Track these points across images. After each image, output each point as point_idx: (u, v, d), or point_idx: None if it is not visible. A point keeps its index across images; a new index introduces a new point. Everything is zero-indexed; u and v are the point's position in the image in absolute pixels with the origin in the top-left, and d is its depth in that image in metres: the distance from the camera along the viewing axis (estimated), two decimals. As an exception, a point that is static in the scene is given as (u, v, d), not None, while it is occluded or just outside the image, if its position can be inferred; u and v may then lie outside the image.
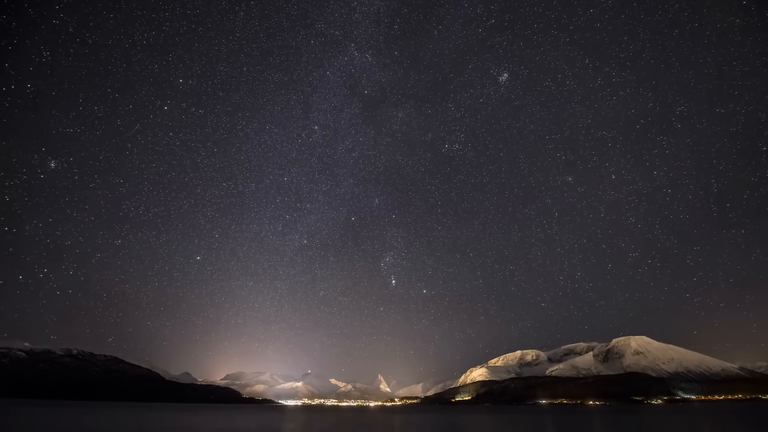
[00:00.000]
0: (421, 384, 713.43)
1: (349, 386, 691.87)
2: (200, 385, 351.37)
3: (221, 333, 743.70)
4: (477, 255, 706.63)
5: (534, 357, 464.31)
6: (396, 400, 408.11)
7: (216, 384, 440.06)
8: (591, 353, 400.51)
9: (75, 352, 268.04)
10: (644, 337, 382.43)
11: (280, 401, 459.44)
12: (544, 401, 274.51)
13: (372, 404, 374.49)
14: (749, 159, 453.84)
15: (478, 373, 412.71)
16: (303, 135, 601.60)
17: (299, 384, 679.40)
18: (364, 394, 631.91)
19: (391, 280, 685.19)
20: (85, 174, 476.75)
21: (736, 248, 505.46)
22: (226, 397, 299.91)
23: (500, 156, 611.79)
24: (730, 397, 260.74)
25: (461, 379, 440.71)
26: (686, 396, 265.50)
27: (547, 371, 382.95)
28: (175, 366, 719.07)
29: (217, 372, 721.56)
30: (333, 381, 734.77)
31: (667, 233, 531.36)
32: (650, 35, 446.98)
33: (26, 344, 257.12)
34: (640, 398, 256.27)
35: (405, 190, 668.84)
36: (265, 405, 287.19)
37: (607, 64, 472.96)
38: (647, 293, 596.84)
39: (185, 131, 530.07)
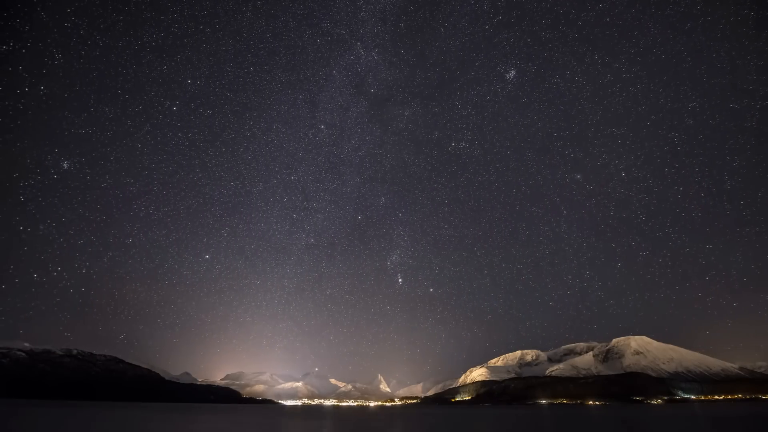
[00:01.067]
0: (421, 384, 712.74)
1: (349, 386, 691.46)
2: (200, 385, 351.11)
3: (230, 331, 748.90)
4: (484, 254, 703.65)
5: (534, 357, 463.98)
6: (396, 400, 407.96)
7: (216, 384, 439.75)
8: (591, 353, 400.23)
9: (75, 352, 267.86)
10: (644, 337, 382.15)
11: (280, 401, 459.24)
12: (544, 401, 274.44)
13: (372, 404, 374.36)
14: (764, 155, 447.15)
15: (478, 373, 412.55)
16: (309, 134, 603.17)
17: (299, 384, 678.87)
18: (364, 394, 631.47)
19: (398, 279, 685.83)
20: (97, 174, 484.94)
21: (750, 247, 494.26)
22: (226, 397, 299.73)
23: (507, 154, 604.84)
24: (730, 397, 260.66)
25: (461, 379, 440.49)
26: (686, 396, 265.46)
27: (547, 371, 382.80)
28: (175, 366, 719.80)
29: (217, 372, 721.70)
30: (333, 381, 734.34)
31: (678, 231, 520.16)
32: (661, 29, 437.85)
33: (26, 344, 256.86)
34: (640, 398, 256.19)
35: (411, 189, 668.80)
36: (265, 405, 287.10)
37: (617, 59, 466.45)
38: (658, 293, 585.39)
39: (194, 131, 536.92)
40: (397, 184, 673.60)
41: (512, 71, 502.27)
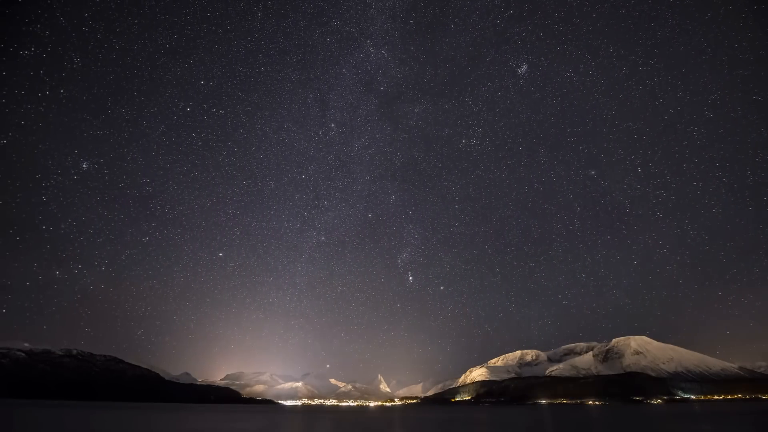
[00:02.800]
0: (420, 384, 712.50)
1: (349, 386, 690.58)
2: (200, 385, 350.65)
3: (243, 327, 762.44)
4: (495, 252, 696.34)
5: (534, 357, 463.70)
6: (396, 400, 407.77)
7: (216, 384, 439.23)
8: (591, 353, 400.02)
9: (75, 352, 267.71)
10: (644, 337, 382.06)
11: (279, 401, 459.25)
12: (543, 401, 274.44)
13: (372, 404, 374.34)
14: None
15: (477, 373, 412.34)
16: (320, 133, 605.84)
17: (299, 384, 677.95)
18: (364, 394, 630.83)
19: (408, 277, 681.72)
20: (115, 174, 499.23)
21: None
22: (225, 397, 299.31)
23: (519, 150, 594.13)
24: (729, 397, 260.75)
25: (461, 379, 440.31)
26: (686, 396, 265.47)
27: (547, 371, 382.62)
28: (175, 366, 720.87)
29: (216, 372, 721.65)
30: (333, 381, 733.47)
31: (698, 229, 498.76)
32: (680, 20, 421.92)
33: (26, 344, 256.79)
34: (639, 398, 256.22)
35: (422, 186, 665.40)
36: (265, 405, 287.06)
37: (633, 52, 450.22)
38: (676, 292, 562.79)
39: (207, 131, 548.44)
40: (407, 182, 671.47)
41: (524, 66, 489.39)
